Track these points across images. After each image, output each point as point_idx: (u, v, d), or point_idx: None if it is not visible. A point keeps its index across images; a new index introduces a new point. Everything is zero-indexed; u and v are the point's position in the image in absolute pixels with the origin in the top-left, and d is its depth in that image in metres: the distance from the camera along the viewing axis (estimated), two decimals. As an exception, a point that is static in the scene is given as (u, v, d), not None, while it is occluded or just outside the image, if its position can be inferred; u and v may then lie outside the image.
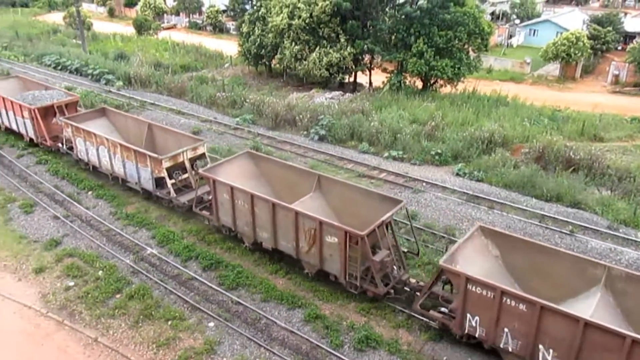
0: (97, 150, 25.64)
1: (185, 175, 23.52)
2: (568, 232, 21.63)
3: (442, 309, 16.22)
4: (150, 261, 20.50)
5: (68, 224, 23.07)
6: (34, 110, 28.80)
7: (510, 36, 73.56)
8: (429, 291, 16.51)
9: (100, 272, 19.70)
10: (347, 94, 41.63)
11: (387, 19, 41.55)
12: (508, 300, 14.02)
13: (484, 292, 14.38)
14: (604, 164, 26.26)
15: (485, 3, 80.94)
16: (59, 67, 51.14)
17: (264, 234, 19.36)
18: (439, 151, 28.93)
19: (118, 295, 18.53)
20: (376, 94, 40.68)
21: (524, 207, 23.57)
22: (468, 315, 15.00)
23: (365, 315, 17.28)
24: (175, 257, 20.62)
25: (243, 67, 53.07)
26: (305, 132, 33.14)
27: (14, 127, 31.43)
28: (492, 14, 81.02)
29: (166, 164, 22.63)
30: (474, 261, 15.82)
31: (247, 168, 21.85)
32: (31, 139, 30.61)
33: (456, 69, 39.65)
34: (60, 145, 28.77)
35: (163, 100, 40.54)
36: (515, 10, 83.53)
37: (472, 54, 41.74)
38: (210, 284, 18.93)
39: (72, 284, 19.26)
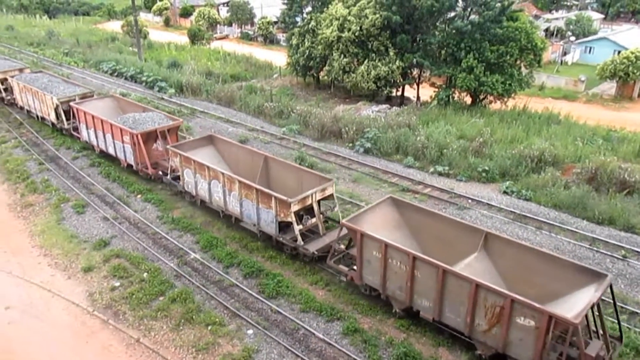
0: (209, 184, 23.16)
1: (314, 220, 21.01)
2: (620, 257, 20.77)
3: None
4: (193, 266, 20.87)
5: (117, 226, 23.77)
6: (136, 136, 26.58)
7: (565, 53, 71.66)
8: None
9: (145, 274, 20.18)
10: (394, 107, 41.43)
11: (437, 33, 41.21)
12: None
13: None
14: (662, 187, 25.13)
15: (539, 19, 79.40)
16: (115, 74, 53.08)
17: (424, 302, 16.44)
18: (486, 168, 28.38)
19: (161, 298, 18.91)
20: (423, 108, 40.35)
21: (574, 229, 22.80)
22: None
23: (404, 331, 17.04)
24: (217, 262, 20.91)
25: (291, 78, 53.62)
26: (350, 144, 33.15)
27: (111, 151, 29.34)
28: (547, 30, 79.20)
29: (295, 207, 19.95)
30: None
31: (390, 216, 19.07)
32: (129, 165, 28.40)
33: (507, 85, 38.85)
34: (161, 173, 27.02)
35: (212, 109, 41.41)
36: (571, 27, 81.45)
37: (524, 70, 40.85)
38: (250, 292, 19.09)
39: (117, 284, 19.80)
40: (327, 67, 46.36)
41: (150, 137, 27.33)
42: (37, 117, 36.97)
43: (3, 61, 44.76)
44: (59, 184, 28.16)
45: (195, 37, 75.31)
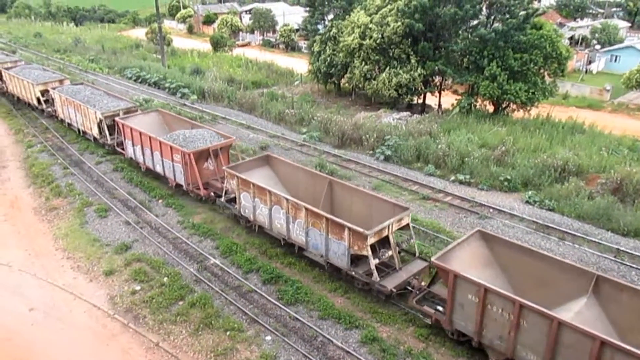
0: (270, 210, 21.38)
1: (390, 253, 19.04)
2: (646, 270, 20.32)
3: None
4: (212, 271, 20.96)
5: (138, 230, 24.02)
6: (188, 155, 25.07)
7: (590, 62, 70.75)
8: None
9: (165, 279, 20.33)
10: (415, 115, 41.27)
11: (459, 41, 41.01)
12: None
13: None
14: (690, 199, 24.56)
15: (563, 27, 78.53)
16: (139, 80, 53.84)
17: (529, 355, 14.47)
18: (508, 177, 28.05)
19: (181, 302, 19.02)
20: (445, 116, 40.11)
21: (598, 241, 22.39)
22: None
23: (423, 341, 16.87)
24: (237, 268, 20.97)
25: (312, 85, 53.84)
26: (371, 152, 33.08)
27: (158, 169, 28.01)
28: (571, 38, 78.32)
29: (371, 239, 18.08)
30: None
31: (480, 252, 17.25)
32: (178, 185, 27.04)
33: (530, 94, 38.44)
34: (213, 194, 25.62)
35: (234, 115, 41.72)
36: (596, 35, 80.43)
37: (547, 79, 40.39)
38: (269, 298, 19.10)
39: (138, 288, 19.97)
40: (348, 75, 46.48)
41: (202, 156, 25.85)
42: (79, 131, 35.70)
43: (42, 72, 43.77)
44: (83, 188, 28.57)
45: (217, 44, 76.21)
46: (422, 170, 30.55)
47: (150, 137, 27.64)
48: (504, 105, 40.74)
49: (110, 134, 32.33)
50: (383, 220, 18.86)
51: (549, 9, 78.78)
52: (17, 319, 18.67)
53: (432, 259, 16.29)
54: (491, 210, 25.38)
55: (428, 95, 45.37)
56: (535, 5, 40.59)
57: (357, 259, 19.12)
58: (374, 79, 43.03)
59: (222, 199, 24.36)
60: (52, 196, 27.79)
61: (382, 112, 41.87)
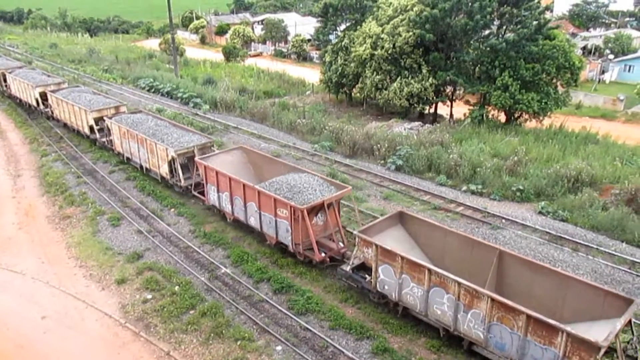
0: (428, 293, 16.73)
1: None
2: (662, 282, 20.03)
3: None
4: (224, 280, 20.98)
5: (150, 239, 24.13)
6: (301, 211, 20.26)
7: (603, 72, 70.37)
8: None
9: (176, 288, 20.38)
10: (426, 124, 41.22)
11: (471, 51, 40.99)
12: None
13: None
14: None
15: (576, 37, 78.26)
16: (152, 90, 54.33)
17: None
18: (521, 187, 27.87)
19: (192, 312, 19.04)
20: (457, 126, 40.01)
21: (612, 252, 22.13)
22: None
23: (435, 352, 16.72)
24: (248, 277, 20.97)
25: (324, 94, 54.00)
26: (382, 162, 33.05)
27: (253, 224, 23.13)
28: (584, 48, 78.02)
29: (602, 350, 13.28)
30: None
31: None
32: (279, 243, 22.30)
33: (543, 104, 38.29)
34: (328, 259, 21.15)
35: (245, 125, 41.91)
36: (609, 45, 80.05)
37: (560, 89, 40.19)
38: (280, 308, 19.07)
39: (149, 296, 20.03)
40: (359, 84, 46.63)
41: (313, 210, 21.05)
42: (141, 167, 30.93)
43: (93, 96, 39.10)
44: (96, 197, 28.79)
45: (230, 54, 76.87)
46: (433, 180, 30.45)
47: (244, 185, 22.86)
48: (516, 115, 40.60)
49: (183, 174, 27.83)
50: (585, 311, 15.09)
51: (561, 18, 78.59)
52: (29, 327, 18.80)
53: None
54: (503, 220, 25.21)
55: (440, 105, 45.32)
56: (548, 15, 40.44)
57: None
58: (386, 89, 43.10)
59: (348, 268, 19.40)
60: (66, 205, 28.04)
61: (393, 122, 41.87)
